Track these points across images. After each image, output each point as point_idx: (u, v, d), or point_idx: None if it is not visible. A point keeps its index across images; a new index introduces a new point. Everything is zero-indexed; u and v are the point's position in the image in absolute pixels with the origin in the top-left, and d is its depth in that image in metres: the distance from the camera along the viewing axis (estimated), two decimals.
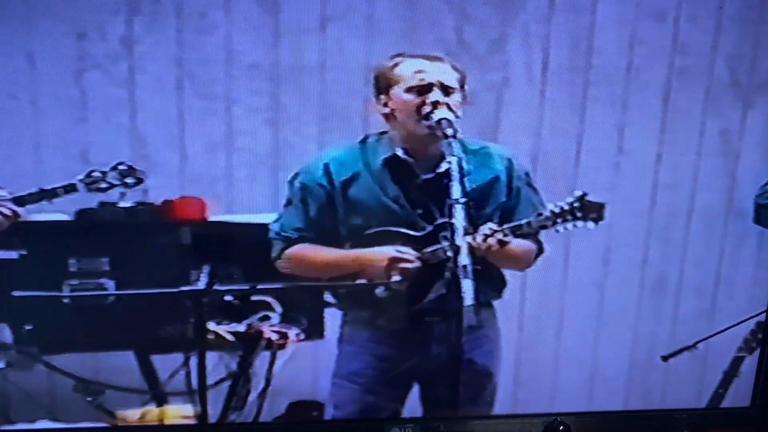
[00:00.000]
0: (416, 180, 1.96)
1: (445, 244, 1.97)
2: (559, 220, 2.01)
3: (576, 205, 2.01)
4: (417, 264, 1.98)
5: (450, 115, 1.91)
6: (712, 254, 2.15)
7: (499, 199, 1.99)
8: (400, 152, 1.94)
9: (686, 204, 2.10)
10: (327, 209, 1.95)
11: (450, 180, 1.93)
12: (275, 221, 1.97)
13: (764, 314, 2.22)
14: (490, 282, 2.04)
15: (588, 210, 2.02)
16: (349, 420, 2.11)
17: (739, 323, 2.21)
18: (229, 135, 1.89)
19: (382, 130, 1.95)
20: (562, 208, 2.01)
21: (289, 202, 1.96)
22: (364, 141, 1.95)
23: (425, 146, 1.93)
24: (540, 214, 2.02)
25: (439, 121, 1.92)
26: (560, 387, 2.20)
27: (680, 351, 2.21)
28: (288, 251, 1.97)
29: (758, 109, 2.05)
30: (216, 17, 1.83)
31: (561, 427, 2.15)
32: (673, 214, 2.10)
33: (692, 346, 2.20)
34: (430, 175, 1.96)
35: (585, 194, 2.02)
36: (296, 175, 1.95)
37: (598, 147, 2.03)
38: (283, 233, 1.97)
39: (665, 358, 2.21)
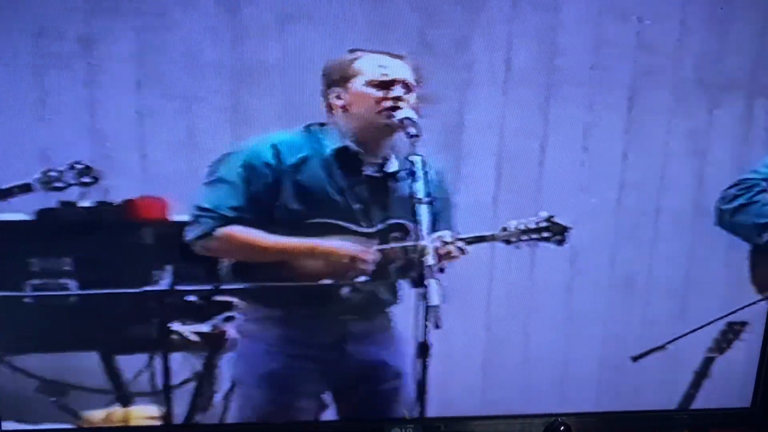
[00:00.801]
0: (363, 175, 1.95)
1: (403, 244, 1.95)
2: (523, 237, 2.00)
3: (543, 225, 2.01)
4: (371, 266, 1.95)
5: (413, 114, 1.90)
6: (681, 254, 2.14)
7: (433, 209, 1.98)
8: (350, 144, 1.91)
9: (653, 204, 2.09)
10: (271, 191, 1.91)
11: (412, 178, 1.91)
12: (201, 198, 1.91)
13: (733, 314, 2.18)
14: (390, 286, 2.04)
15: (554, 232, 2.01)
16: (349, 421, 2.11)
17: (709, 323, 2.18)
18: (191, 134, 1.88)
19: (321, 122, 1.92)
20: (527, 226, 2.00)
21: (218, 181, 1.90)
22: (307, 129, 1.94)
23: (375, 142, 1.92)
24: (505, 228, 2.00)
25: (402, 120, 1.90)
26: (530, 388, 2.18)
27: (650, 351, 2.19)
28: (221, 230, 1.92)
29: (725, 108, 2.03)
30: (175, 16, 1.82)
31: (562, 428, 2.15)
32: (640, 213, 2.09)
33: (662, 346, 2.19)
34: (376, 174, 1.95)
35: (552, 216, 2.02)
36: (228, 154, 1.89)
37: (563, 147, 2.02)
38: (218, 211, 1.91)
39: (635, 359, 2.19)
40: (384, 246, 1.99)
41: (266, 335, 2.04)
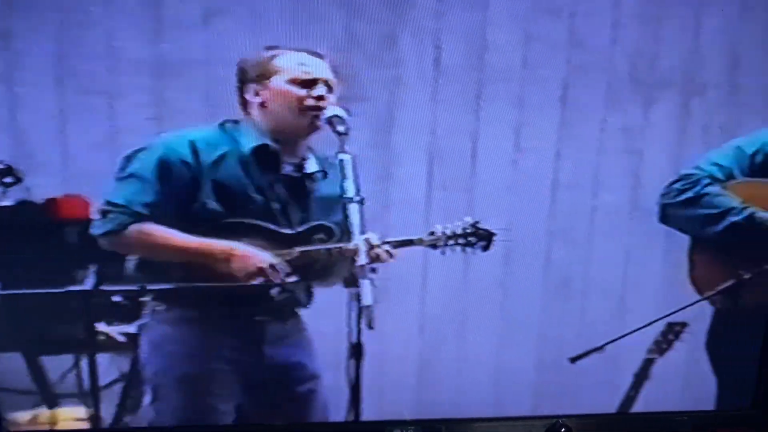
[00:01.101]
0: (282, 175, 1.93)
1: (329, 245, 1.92)
2: (450, 242, 1.98)
3: (468, 230, 1.99)
4: (280, 279, 1.93)
5: (341, 112, 1.88)
6: (618, 254, 2.12)
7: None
8: (269, 142, 1.88)
9: (589, 203, 2.06)
10: (188, 189, 1.87)
11: (342, 177, 1.89)
12: (112, 193, 1.87)
13: (672, 315, 2.15)
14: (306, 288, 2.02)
15: (479, 237, 1.99)
16: (349, 423, 2.09)
17: (648, 324, 2.16)
18: (113, 132, 1.85)
19: (235, 119, 1.90)
20: (454, 231, 1.98)
21: (130, 176, 1.85)
22: (222, 125, 1.91)
23: (295, 140, 1.90)
24: (432, 233, 1.98)
25: (330, 119, 1.87)
26: (467, 389, 2.16)
27: (588, 353, 2.17)
28: (132, 227, 1.87)
29: (661, 105, 2.01)
30: (96, 11, 1.79)
31: (563, 430, 2.13)
32: (575, 213, 2.07)
33: (600, 347, 2.16)
34: (295, 174, 1.93)
35: (478, 222, 2.01)
36: (140, 149, 1.86)
37: (495, 145, 2.00)
38: (130, 207, 1.86)
39: (573, 360, 2.17)
40: (308, 248, 1.95)
41: (182, 336, 2.00)
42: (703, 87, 2.02)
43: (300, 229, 1.97)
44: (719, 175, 2.07)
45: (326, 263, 1.98)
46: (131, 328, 1.99)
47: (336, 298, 2.00)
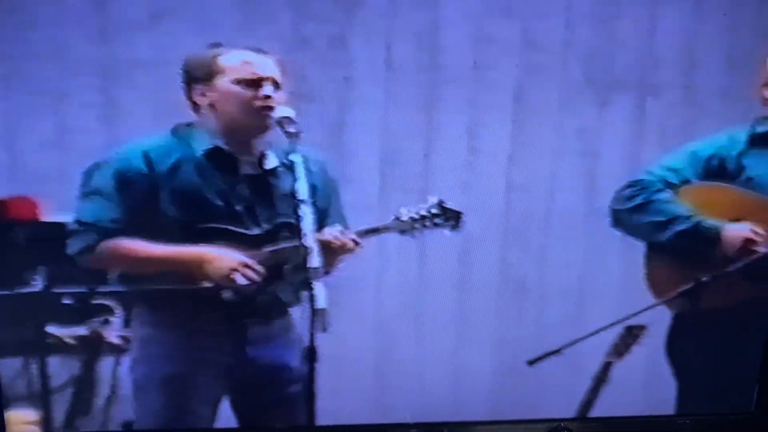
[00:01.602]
0: (241, 175, 1.90)
1: (291, 244, 1.90)
2: (417, 225, 1.96)
3: (434, 211, 1.97)
4: (257, 277, 1.90)
5: (291, 113, 1.86)
6: (574, 257, 2.10)
7: (318, 203, 1.94)
8: (222, 144, 1.86)
9: (544, 205, 2.05)
10: (148, 200, 1.86)
11: (293, 178, 1.87)
12: (80, 212, 1.86)
13: (630, 318, 2.14)
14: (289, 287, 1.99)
15: (447, 217, 1.97)
16: (349, 426, 2.09)
17: (606, 327, 2.14)
18: (61, 132, 1.83)
19: (188, 122, 1.88)
20: (419, 213, 1.96)
21: (93, 193, 1.85)
22: (175, 131, 1.89)
23: (247, 140, 1.88)
24: (398, 218, 1.96)
25: (280, 120, 1.86)
26: (424, 391, 2.14)
27: (546, 356, 2.15)
28: (104, 244, 1.87)
29: (615, 107, 1.99)
30: (43, 11, 1.78)
31: None
32: (530, 215, 2.06)
33: (558, 350, 2.14)
34: (255, 172, 1.90)
35: (442, 201, 1.97)
36: (97, 165, 1.85)
37: (449, 147, 1.98)
38: (98, 224, 1.86)
39: (531, 363, 2.15)
40: (274, 247, 1.93)
41: (163, 339, 1.99)
42: (658, 88, 2.00)
43: (267, 228, 1.93)
44: (674, 180, 2.06)
45: (297, 263, 1.95)
46: (82, 330, 1.96)
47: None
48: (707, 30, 1.98)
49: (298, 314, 1.96)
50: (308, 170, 1.91)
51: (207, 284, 1.92)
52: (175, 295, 1.92)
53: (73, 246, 1.88)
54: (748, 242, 2.05)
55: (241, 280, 1.91)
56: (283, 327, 2.02)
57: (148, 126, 1.86)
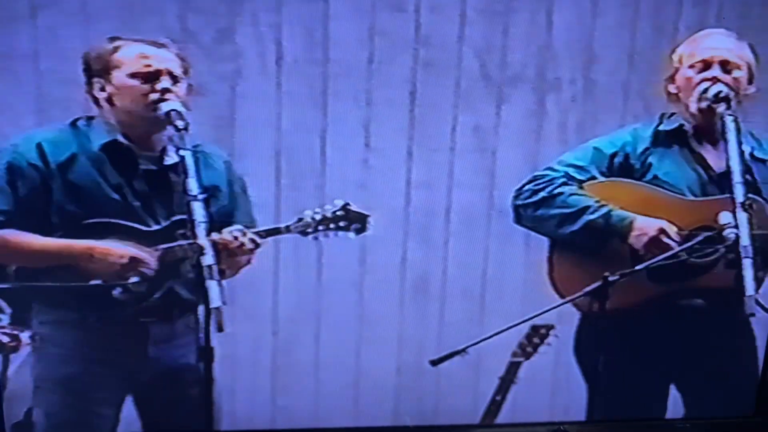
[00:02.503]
0: (140, 170, 1.86)
1: (185, 242, 1.87)
2: (320, 228, 1.93)
3: (339, 213, 1.93)
4: (152, 269, 1.86)
5: (179, 106, 1.82)
6: (476, 254, 2.07)
7: (221, 202, 1.91)
8: (120, 138, 1.83)
9: (444, 202, 2.02)
10: (40, 193, 1.82)
11: (184, 174, 1.82)
12: None
13: (537, 317, 2.11)
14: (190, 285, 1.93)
15: (352, 220, 1.94)
16: (348, 429, 2.07)
17: (510, 327, 2.11)
18: None
19: (89, 115, 1.84)
20: (324, 215, 1.92)
21: None
22: (74, 124, 1.85)
23: (147, 135, 1.85)
24: (300, 219, 1.93)
25: (168, 113, 1.82)
26: (323, 393, 2.10)
27: (450, 355, 2.11)
28: None
29: (513, 103, 1.97)
30: None
31: None
32: (430, 213, 2.03)
33: (462, 350, 2.11)
34: (154, 167, 1.86)
35: (348, 204, 1.94)
36: None
37: (344, 143, 1.95)
38: None
39: (434, 363, 2.11)
40: (169, 245, 1.89)
41: (62, 339, 1.95)
42: (557, 84, 1.97)
43: (164, 224, 1.89)
44: (577, 176, 2.02)
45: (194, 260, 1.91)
46: None
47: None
48: (606, 24, 1.95)
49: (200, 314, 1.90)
50: (210, 167, 1.86)
51: (97, 281, 1.87)
52: (72, 293, 1.87)
53: None
54: (661, 234, 2.00)
55: (131, 276, 1.86)
56: (185, 326, 1.97)
57: (29, 120, 1.82)
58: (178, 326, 1.96)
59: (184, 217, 1.87)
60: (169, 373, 1.96)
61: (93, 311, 1.90)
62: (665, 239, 2.01)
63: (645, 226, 2.01)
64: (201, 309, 1.92)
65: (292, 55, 1.88)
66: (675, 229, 2.04)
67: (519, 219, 2.04)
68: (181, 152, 1.84)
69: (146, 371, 1.95)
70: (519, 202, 2.02)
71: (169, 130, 1.86)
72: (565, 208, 2.01)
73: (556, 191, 2.01)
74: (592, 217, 2.00)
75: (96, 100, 1.84)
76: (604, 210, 2.00)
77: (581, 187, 2.03)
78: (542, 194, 2.01)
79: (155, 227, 1.88)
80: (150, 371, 1.95)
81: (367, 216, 1.97)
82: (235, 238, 1.87)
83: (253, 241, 1.90)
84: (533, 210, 2.02)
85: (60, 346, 1.93)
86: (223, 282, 1.84)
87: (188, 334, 1.95)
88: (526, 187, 2.02)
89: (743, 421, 2.20)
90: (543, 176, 2.02)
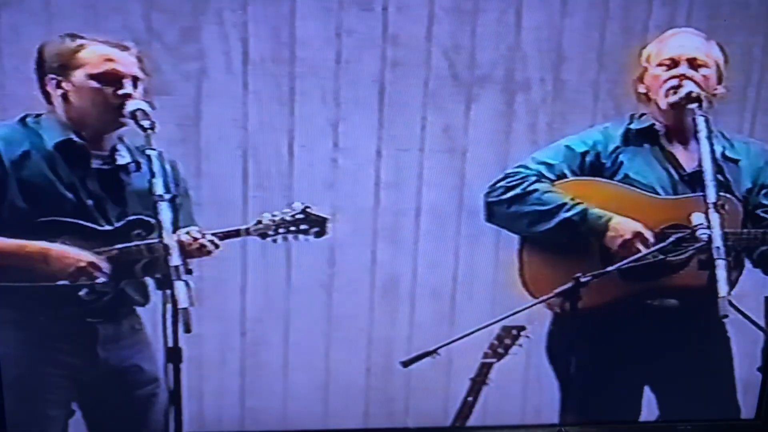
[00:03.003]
0: (93, 169, 1.84)
1: (145, 242, 1.85)
2: (280, 230, 1.92)
3: (299, 216, 1.92)
4: (105, 275, 1.84)
5: (144, 106, 1.80)
6: (446, 255, 2.06)
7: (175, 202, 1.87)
8: (74, 137, 1.81)
9: (413, 203, 2.01)
10: None
11: (151, 175, 1.80)
12: None
13: (508, 318, 2.09)
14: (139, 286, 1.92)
15: (311, 223, 1.92)
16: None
17: (481, 328, 2.09)
18: None
19: (37, 112, 1.82)
20: (283, 218, 1.91)
21: None
22: (23, 120, 1.83)
23: (100, 134, 1.84)
24: (259, 221, 1.92)
25: (133, 113, 1.80)
26: (292, 395, 2.09)
27: (421, 357, 2.10)
28: None
29: (482, 103, 1.95)
30: None
31: None
32: (399, 212, 2.01)
33: (433, 351, 2.09)
34: (106, 166, 1.84)
35: (308, 207, 1.92)
36: None
37: (312, 143, 1.94)
38: None
39: (405, 364, 2.10)
40: (126, 245, 1.88)
41: (10, 339, 1.91)
42: (527, 84, 1.96)
43: (118, 224, 1.87)
44: (549, 175, 2.01)
45: (150, 261, 1.89)
46: None
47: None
48: (575, 24, 1.94)
49: (149, 314, 1.88)
50: (164, 167, 1.85)
51: (53, 282, 1.85)
52: (19, 292, 1.84)
53: None
54: (636, 238, 1.99)
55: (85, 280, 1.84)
56: (132, 327, 1.95)
57: None
58: (125, 327, 1.94)
59: (138, 217, 1.86)
60: (116, 374, 1.94)
61: (39, 311, 1.87)
62: (639, 244, 1.99)
63: (621, 228, 2.00)
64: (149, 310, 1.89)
65: (258, 54, 1.86)
66: (651, 233, 2.01)
67: (490, 216, 2.02)
68: (148, 152, 1.81)
69: (94, 372, 1.93)
70: (491, 199, 2.01)
71: (120, 131, 1.84)
72: (539, 205, 2.00)
73: (530, 188, 2.00)
74: (568, 214, 1.99)
75: (48, 97, 1.81)
76: (580, 208, 1.99)
77: (553, 186, 2.01)
78: (516, 191, 2.00)
79: (108, 227, 1.85)
80: (98, 372, 1.93)
81: (327, 219, 1.95)
82: (195, 239, 1.84)
83: (212, 242, 1.87)
84: (506, 207, 2.01)
85: (5, 346, 1.90)
86: (191, 282, 1.80)
87: (135, 334, 1.93)
88: (499, 184, 2.00)
89: (744, 425, 2.20)
90: (516, 173, 2.01)
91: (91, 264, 1.84)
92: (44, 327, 1.89)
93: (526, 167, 2.03)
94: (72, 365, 1.91)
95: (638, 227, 2.00)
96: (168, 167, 1.84)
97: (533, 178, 2.01)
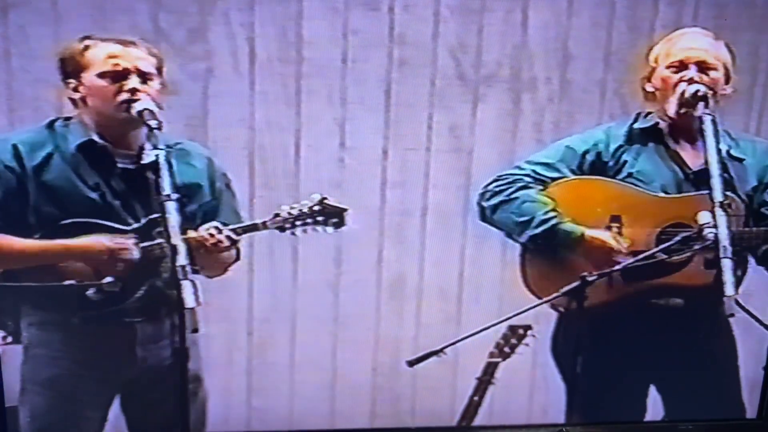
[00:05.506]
0: (117, 169, 1.85)
1: (162, 241, 1.85)
2: (298, 223, 1.91)
3: (316, 208, 1.92)
4: (136, 255, 1.85)
5: (152, 106, 1.81)
6: (452, 254, 2.06)
7: (203, 199, 1.90)
8: (96, 138, 1.82)
9: (419, 202, 2.01)
10: (16, 195, 1.81)
11: (158, 174, 1.81)
12: None
13: (514, 317, 2.10)
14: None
15: (329, 214, 1.92)
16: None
17: (487, 327, 2.09)
18: None
19: (67, 116, 1.83)
20: (301, 210, 1.91)
21: None
22: (51, 125, 1.84)
23: (123, 134, 1.84)
24: (277, 215, 1.91)
25: (141, 113, 1.80)
26: (299, 394, 2.09)
27: (427, 356, 2.10)
28: None
29: (488, 102, 1.96)
30: None
31: None
32: (405, 212, 2.02)
33: (440, 350, 2.10)
34: (132, 166, 1.85)
35: (325, 198, 1.92)
36: None
37: (319, 142, 1.94)
38: None
39: (411, 364, 2.10)
40: (145, 244, 1.88)
41: (48, 340, 1.93)
42: (533, 83, 1.96)
43: (143, 223, 1.88)
44: (546, 174, 2.01)
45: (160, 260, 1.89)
46: None
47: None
48: (581, 23, 1.94)
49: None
50: (189, 165, 1.86)
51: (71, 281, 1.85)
52: (58, 294, 1.86)
53: None
54: (609, 252, 1.99)
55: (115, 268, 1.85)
56: (171, 326, 1.94)
57: (2, 121, 1.80)
58: (165, 326, 1.94)
59: (158, 215, 1.84)
60: (155, 374, 1.93)
61: (77, 312, 1.89)
62: (613, 255, 1.98)
63: (593, 243, 2.00)
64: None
65: (265, 54, 1.86)
66: (625, 244, 1.99)
67: (483, 219, 2.03)
68: (154, 151, 1.82)
69: (134, 372, 1.94)
70: (482, 202, 2.01)
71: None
72: (517, 215, 2.01)
73: (513, 195, 2.00)
74: (534, 232, 1.99)
75: (73, 101, 1.82)
76: (548, 225, 2.00)
77: (548, 187, 2.00)
78: (500, 197, 2.01)
79: (134, 225, 1.86)
80: (137, 372, 1.94)
81: (345, 210, 1.95)
82: (211, 235, 1.85)
83: (229, 237, 1.88)
84: (491, 213, 2.02)
85: (45, 347, 1.91)
86: (198, 282, 1.81)
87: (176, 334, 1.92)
88: (489, 188, 2.01)
89: (746, 425, 2.19)
90: (505, 177, 2.01)
91: (112, 250, 1.85)
92: (81, 328, 1.90)
93: (519, 168, 2.02)
94: (111, 366, 1.92)
95: (610, 241, 1.99)
96: (199, 165, 1.89)
97: (519, 184, 2.01)
